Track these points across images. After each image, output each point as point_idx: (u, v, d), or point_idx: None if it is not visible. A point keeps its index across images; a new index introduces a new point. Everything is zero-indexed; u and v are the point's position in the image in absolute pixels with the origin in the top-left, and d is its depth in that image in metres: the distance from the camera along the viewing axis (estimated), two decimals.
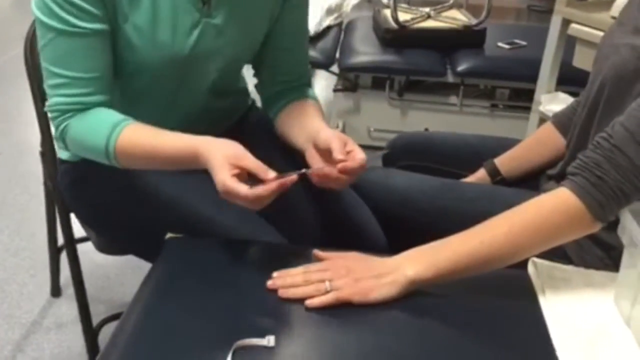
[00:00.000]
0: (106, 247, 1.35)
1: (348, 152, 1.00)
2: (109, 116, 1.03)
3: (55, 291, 1.81)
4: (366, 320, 0.90)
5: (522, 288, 0.98)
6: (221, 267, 0.99)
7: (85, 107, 1.02)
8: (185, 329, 0.86)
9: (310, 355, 0.83)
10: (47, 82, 1.03)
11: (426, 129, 2.58)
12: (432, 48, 2.61)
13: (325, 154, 1.02)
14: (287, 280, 0.93)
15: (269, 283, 0.93)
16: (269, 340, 0.83)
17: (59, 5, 0.97)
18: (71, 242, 1.42)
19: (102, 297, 1.81)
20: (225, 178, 0.91)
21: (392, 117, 2.66)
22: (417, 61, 2.55)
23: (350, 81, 2.64)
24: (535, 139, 1.39)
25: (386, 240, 1.22)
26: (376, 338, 0.87)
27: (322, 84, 2.93)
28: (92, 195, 1.18)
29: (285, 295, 0.91)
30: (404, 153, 1.47)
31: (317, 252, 0.99)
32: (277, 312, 0.89)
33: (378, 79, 2.62)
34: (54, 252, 1.73)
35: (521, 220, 0.92)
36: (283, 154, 1.18)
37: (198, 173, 1.00)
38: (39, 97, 1.37)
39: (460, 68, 2.53)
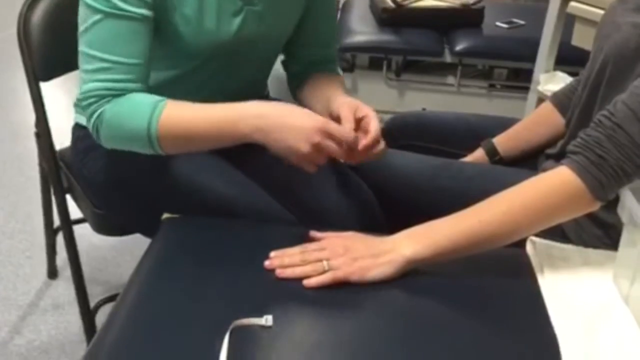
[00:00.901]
0: (103, 226, 1.34)
1: (360, 119, 1.01)
2: (146, 97, 1.01)
3: (52, 273, 1.81)
4: (364, 299, 0.89)
5: (520, 267, 0.97)
6: (218, 247, 0.98)
7: (124, 93, 1.00)
8: (182, 309, 0.86)
9: (308, 335, 0.83)
10: (85, 67, 1.01)
11: (423, 109, 2.57)
12: (429, 27, 2.58)
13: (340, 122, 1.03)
14: (285, 260, 0.92)
15: (267, 263, 0.93)
16: (267, 320, 0.82)
17: None
18: (67, 224, 1.41)
19: (99, 278, 1.81)
20: (319, 118, 0.95)
21: (390, 98, 2.64)
22: (414, 41, 2.53)
23: (347, 61, 2.61)
24: (534, 119, 1.38)
25: (384, 220, 1.21)
26: (374, 317, 0.87)
27: None
28: (105, 164, 1.17)
29: (283, 275, 0.91)
30: (402, 133, 1.46)
31: (314, 232, 0.98)
32: (275, 292, 0.89)
33: (375, 59, 2.60)
34: (50, 234, 1.73)
35: (520, 199, 0.92)
36: None
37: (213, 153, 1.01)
38: (33, 77, 1.36)
39: (458, 48, 2.50)
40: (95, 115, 1.01)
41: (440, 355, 0.81)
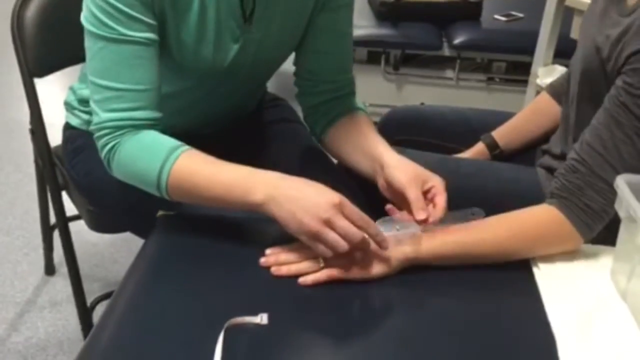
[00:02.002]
0: (99, 224, 1.33)
1: (428, 195, 0.96)
2: (163, 141, 0.96)
3: (49, 269, 1.80)
4: (360, 297, 0.89)
5: (517, 261, 0.97)
6: (213, 244, 0.98)
7: (137, 124, 0.96)
8: (177, 307, 0.85)
9: (304, 333, 0.82)
10: (94, 98, 0.97)
11: (422, 104, 2.55)
12: (428, 21, 2.57)
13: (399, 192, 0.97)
14: (281, 257, 0.92)
15: (262, 260, 0.92)
16: (262, 318, 0.82)
17: (108, 15, 0.93)
18: (63, 221, 1.41)
19: (96, 275, 1.80)
20: (336, 194, 0.87)
21: (388, 92, 2.63)
22: (412, 34, 2.52)
23: None
24: (532, 110, 1.38)
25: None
26: (371, 315, 0.86)
27: None
28: (92, 168, 1.15)
29: (279, 272, 0.90)
30: (399, 128, 1.45)
31: None
32: (271, 290, 0.88)
33: (373, 53, 2.59)
34: (47, 231, 1.72)
35: (517, 231, 0.96)
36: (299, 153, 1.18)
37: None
38: (27, 73, 1.35)
39: (457, 41, 2.49)
40: (107, 148, 0.97)
41: (438, 352, 0.81)
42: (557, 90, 1.32)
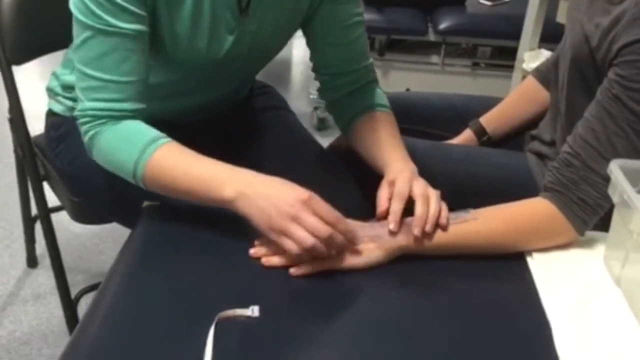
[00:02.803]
0: (82, 215, 1.31)
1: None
2: (143, 131, 0.95)
3: (32, 262, 1.77)
4: (353, 287, 0.87)
5: None
6: (201, 235, 0.95)
7: (119, 115, 0.95)
8: (165, 300, 0.83)
9: (296, 325, 0.80)
10: (80, 85, 0.96)
11: (407, 89, 2.54)
12: (413, 6, 2.55)
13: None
14: (271, 248, 0.90)
15: (252, 251, 0.91)
16: (253, 311, 0.80)
17: (97, 4, 0.90)
18: (45, 212, 1.38)
19: (80, 267, 1.77)
20: (305, 190, 0.86)
21: None
22: (398, 20, 2.50)
23: None
24: (519, 95, 1.36)
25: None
26: (363, 305, 0.85)
27: (303, 44, 2.86)
28: (77, 154, 1.13)
29: (269, 263, 0.88)
30: None
31: None
32: (261, 281, 0.86)
33: None
34: (28, 222, 1.68)
35: (511, 224, 0.95)
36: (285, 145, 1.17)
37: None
38: (4, 61, 1.31)
39: (442, 26, 2.48)
40: (88, 136, 0.97)
41: (432, 341, 0.79)
42: (544, 75, 1.31)
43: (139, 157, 0.92)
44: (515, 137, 1.35)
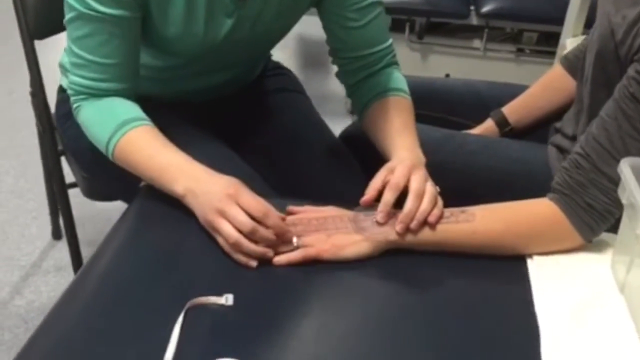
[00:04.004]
0: (92, 192, 1.31)
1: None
2: (121, 110, 0.97)
3: (56, 234, 1.80)
4: (336, 280, 0.84)
5: None
6: (192, 219, 0.94)
7: (100, 93, 0.98)
8: (142, 284, 0.82)
9: (270, 316, 0.78)
10: (69, 59, 0.99)
11: (447, 75, 2.46)
12: None
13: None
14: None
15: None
16: (227, 299, 0.78)
17: None
18: (61, 185, 1.40)
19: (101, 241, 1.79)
20: (232, 180, 0.86)
21: (412, 62, 2.54)
22: (438, 1, 2.42)
23: None
24: (544, 84, 1.29)
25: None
26: (344, 300, 0.82)
27: None
28: (82, 132, 1.14)
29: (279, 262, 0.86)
30: None
31: (292, 207, 0.93)
32: (239, 269, 0.84)
33: (397, 20, 2.49)
34: (52, 195, 1.71)
35: (512, 225, 0.89)
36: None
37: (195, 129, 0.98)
38: (27, 35, 1.33)
39: (485, 9, 2.38)
40: (74, 107, 1.01)
41: (415, 338, 0.76)
42: (572, 64, 1.23)
43: (111, 135, 0.95)
44: (540, 128, 1.28)
